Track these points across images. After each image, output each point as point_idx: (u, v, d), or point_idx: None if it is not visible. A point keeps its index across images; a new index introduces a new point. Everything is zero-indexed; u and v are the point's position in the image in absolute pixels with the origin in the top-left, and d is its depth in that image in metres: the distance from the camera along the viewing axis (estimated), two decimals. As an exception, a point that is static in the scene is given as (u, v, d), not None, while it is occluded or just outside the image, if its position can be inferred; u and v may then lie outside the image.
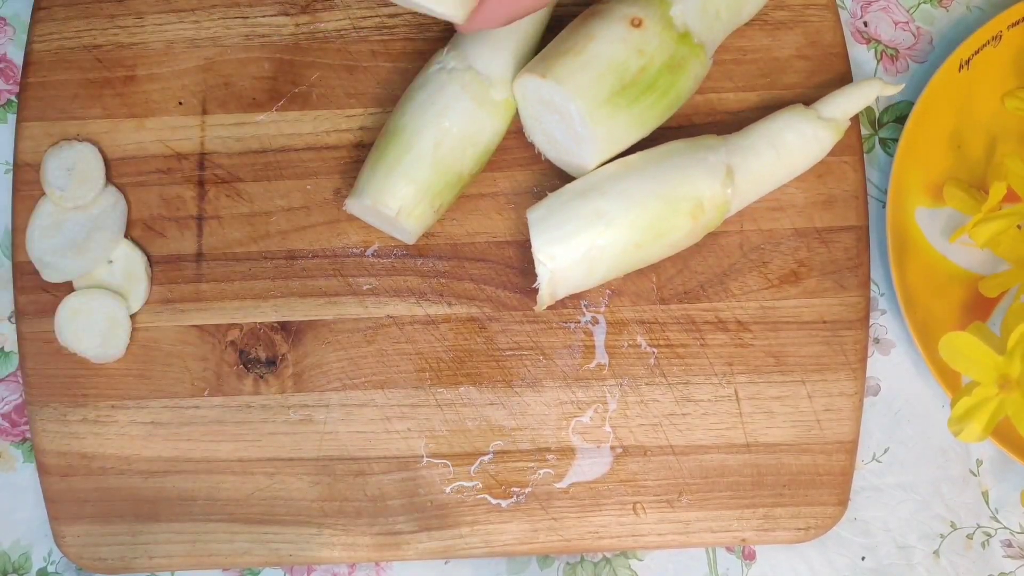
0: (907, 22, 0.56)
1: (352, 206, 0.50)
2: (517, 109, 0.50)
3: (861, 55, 0.56)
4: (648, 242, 0.48)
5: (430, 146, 0.48)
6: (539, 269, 0.48)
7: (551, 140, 0.50)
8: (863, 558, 0.54)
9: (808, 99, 0.51)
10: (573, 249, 0.47)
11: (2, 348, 0.55)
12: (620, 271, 0.49)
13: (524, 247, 0.53)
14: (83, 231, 0.52)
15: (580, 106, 0.46)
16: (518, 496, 0.52)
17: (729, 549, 0.54)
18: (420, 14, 0.54)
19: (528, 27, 0.50)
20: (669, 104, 0.49)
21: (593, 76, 0.47)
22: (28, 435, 0.54)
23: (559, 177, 0.53)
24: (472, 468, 0.52)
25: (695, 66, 0.49)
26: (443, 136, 0.48)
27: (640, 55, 0.47)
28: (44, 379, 0.52)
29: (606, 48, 0.47)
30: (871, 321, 0.54)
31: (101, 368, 0.52)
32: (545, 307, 0.49)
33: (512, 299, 0.52)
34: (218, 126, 0.53)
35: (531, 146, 0.52)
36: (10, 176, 0.55)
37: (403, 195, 0.48)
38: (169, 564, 0.52)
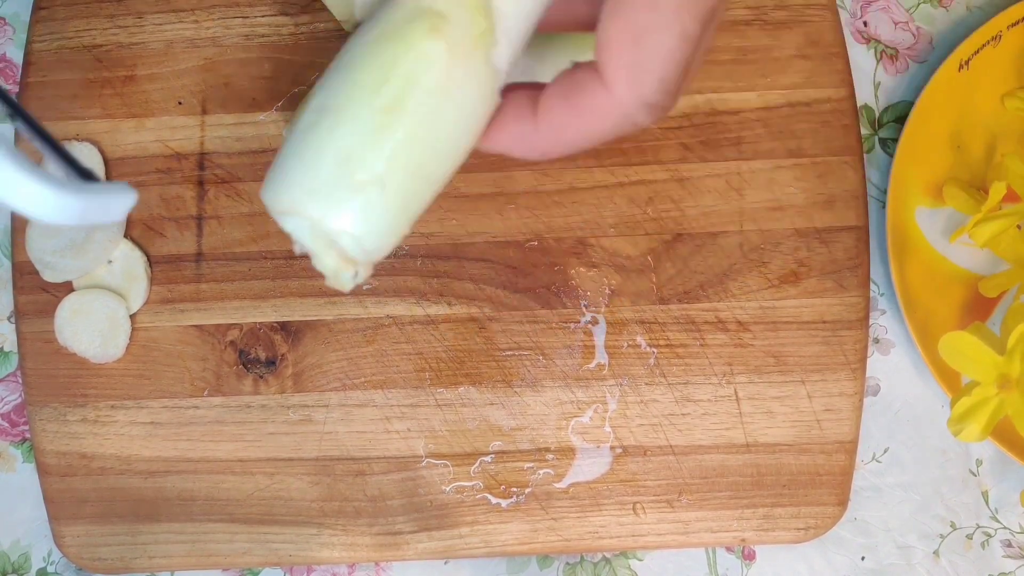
0: (907, 22, 0.56)
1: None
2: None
3: (861, 55, 0.56)
4: (413, 112, 0.32)
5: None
6: (343, 241, 0.33)
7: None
8: (863, 558, 0.53)
9: (808, 99, 0.51)
10: (361, 189, 0.33)
11: (1, 348, 0.55)
12: (436, 173, 0.34)
13: (524, 247, 0.53)
14: (82, 231, 0.52)
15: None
16: (518, 496, 0.52)
17: (729, 549, 0.54)
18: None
19: None
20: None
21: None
22: (28, 435, 0.54)
23: (560, 176, 0.53)
24: (472, 468, 0.52)
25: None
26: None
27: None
28: (44, 379, 0.52)
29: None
30: (871, 321, 0.54)
31: (101, 368, 0.52)
32: (362, 280, 0.36)
33: (512, 299, 0.52)
34: (218, 126, 0.53)
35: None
36: (10, 176, 0.54)
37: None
38: (169, 564, 0.52)
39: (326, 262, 0.35)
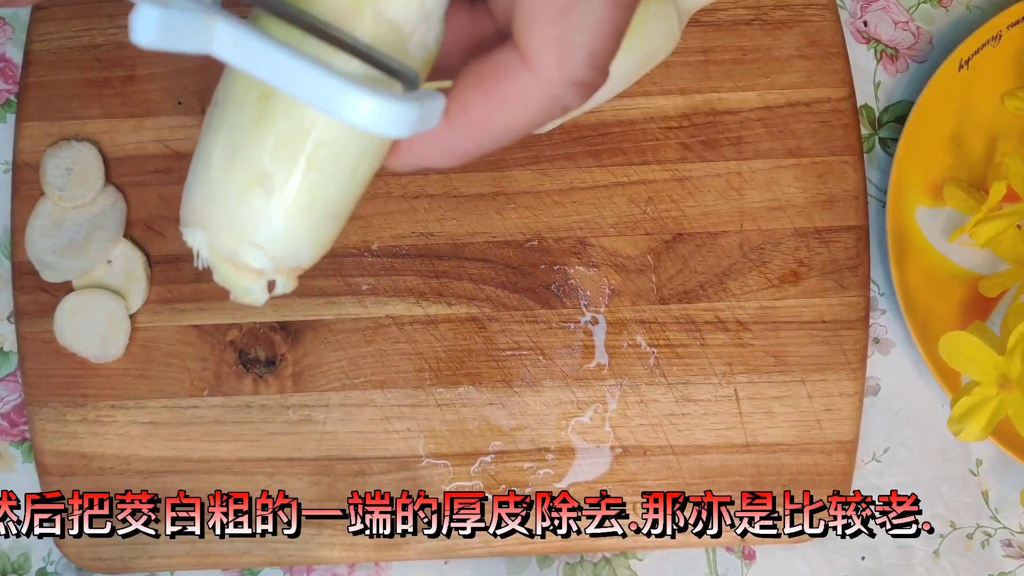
0: (907, 22, 0.56)
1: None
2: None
3: (861, 55, 0.56)
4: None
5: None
6: (239, 250, 0.30)
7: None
8: (863, 558, 0.53)
9: (808, 99, 0.51)
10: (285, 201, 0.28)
11: (1, 348, 0.55)
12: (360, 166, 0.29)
13: (524, 247, 0.52)
14: (82, 231, 0.52)
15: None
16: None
17: (729, 549, 0.54)
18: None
19: None
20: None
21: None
22: (27, 435, 0.54)
23: (560, 176, 0.53)
24: (472, 468, 0.52)
25: None
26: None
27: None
28: (43, 379, 0.52)
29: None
30: (871, 321, 0.54)
31: (100, 368, 0.52)
32: (287, 290, 0.31)
33: (512, 299, 0.52)
34: (218, 126, 0.53)
35: (529, 145, 0.52)
36: (9, 176, 0.54)
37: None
38: (169, 564, 0.52)
39: (225, 275, 0.31)
